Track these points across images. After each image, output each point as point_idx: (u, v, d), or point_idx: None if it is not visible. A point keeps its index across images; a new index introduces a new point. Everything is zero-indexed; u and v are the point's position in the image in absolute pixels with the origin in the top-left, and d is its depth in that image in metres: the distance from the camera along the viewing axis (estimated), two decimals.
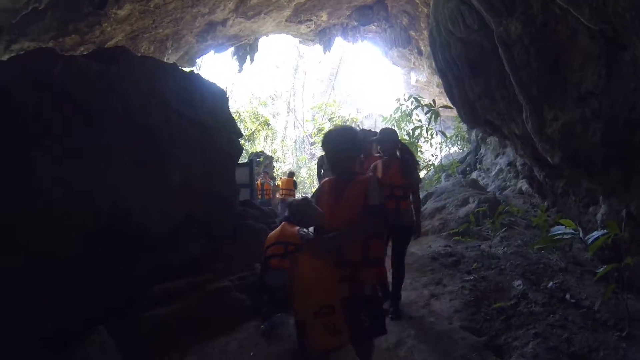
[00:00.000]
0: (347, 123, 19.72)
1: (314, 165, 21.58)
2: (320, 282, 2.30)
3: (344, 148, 2.46)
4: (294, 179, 14.15)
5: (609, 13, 2.88)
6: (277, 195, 14.19)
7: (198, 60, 14.52)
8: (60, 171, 3.65)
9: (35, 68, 3.87)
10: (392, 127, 4.63)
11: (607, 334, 3.20)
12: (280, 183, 14.34)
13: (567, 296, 3.83)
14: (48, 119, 3.73)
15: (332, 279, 2.30)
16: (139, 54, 8.67)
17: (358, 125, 19.89)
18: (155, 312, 4.03)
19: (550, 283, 4.11)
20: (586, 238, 3.59)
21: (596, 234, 3.39)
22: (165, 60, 9.70)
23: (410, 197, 4.20)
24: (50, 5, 6.66)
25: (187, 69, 10.09)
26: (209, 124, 5.76)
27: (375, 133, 5.54)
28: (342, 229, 2.31)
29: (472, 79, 5.63)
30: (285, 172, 23.74)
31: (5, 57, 6.54)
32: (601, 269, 3.44)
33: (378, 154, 4.97)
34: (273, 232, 4.37)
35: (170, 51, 10.29)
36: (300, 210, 3.77)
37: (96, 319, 3.59)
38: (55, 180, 3.59)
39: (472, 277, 4.61)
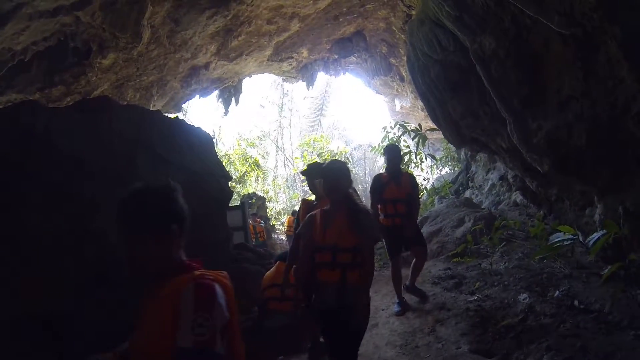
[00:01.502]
0: (336, 157, 19.82)
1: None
2: None
3: (139, 221, 1.34)
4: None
5: (577, 16, 2.95)
6: (277, 235, 14.15)
7: (184, 106, 14.68)
8: (48, 223, 3.60)
9: (19, 121, 3.89)
10: (340, 160, 3.04)
11: (622, 335, 3.10)
12: (287, 221, 14.44)
13: (576, 302, 3.72)
14: (34, 171, 3.72)
15: None
16: (125, 102, 8.79)
17: (348, 159, 19.95)
18: None
19: (557, 292, 4.00)
20: (587, 241, 3.54)
21: (596, 235, 3.35)
22: (151, 107, 9.82)
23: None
24: (35, 57, 6.76)
25: (173, 115, 10.19)
26: (196, 169, 5.76)
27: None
28: None
29: (454, 99, 5.71)
30: (279, 211, 23.72)
31: None
32: (606, 270, 3.38)
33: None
34: (268, 273, 4.27)
35: (155, 98, 10.39)
36: None
37: None
38: (44, 232, 3.53)
39: (475, 297, 4.51)
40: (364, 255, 2.71)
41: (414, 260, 4.97)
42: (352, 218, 2.73)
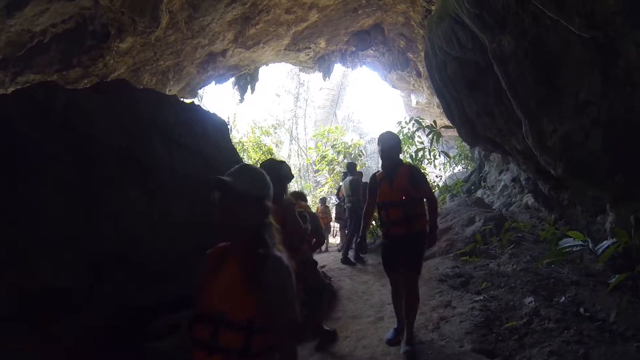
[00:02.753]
0: (350, 149, 19.71)
1: (318, 192, 21.48)
2: None
3: None
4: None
5: (598, 19, 2.89)
6: None
7: (200, 92, 14.75)
8: (66, 201, 3.66)
9: (39, 100, 3.94)
10: (251, 168, 1.85)
11: (625, 345, 3.08)
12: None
13: (581, 310, 3.70)
14: (53, 151, 3.77)
15: None
16: (141, 86, 8.84)
17: (361, 152, 19.82)
18: (162, 343, 3.93)
19: (563, 297, 3.98)
20: (596, 248, 3.50)
21: (606, 243, 3.32)
22: (167, 92, 9.87)
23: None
24: (54, 39, 6.84)
25: (188, 100, 10.27)
26: (211, 154, 5.78)
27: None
28: None
29: (470, 98, 5.66)
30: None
31: (11, 89, 6.70)
32: (614, 279, 3.34)
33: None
34: None
35: (172, 82, 10.45)
36: None
37: (100, 350, 3.52)
38: (62, 211, 3.59)
39: (481, 297, 4.49)
40: (270, 339, 1.49)
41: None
42: (252, 270, 1.52)
